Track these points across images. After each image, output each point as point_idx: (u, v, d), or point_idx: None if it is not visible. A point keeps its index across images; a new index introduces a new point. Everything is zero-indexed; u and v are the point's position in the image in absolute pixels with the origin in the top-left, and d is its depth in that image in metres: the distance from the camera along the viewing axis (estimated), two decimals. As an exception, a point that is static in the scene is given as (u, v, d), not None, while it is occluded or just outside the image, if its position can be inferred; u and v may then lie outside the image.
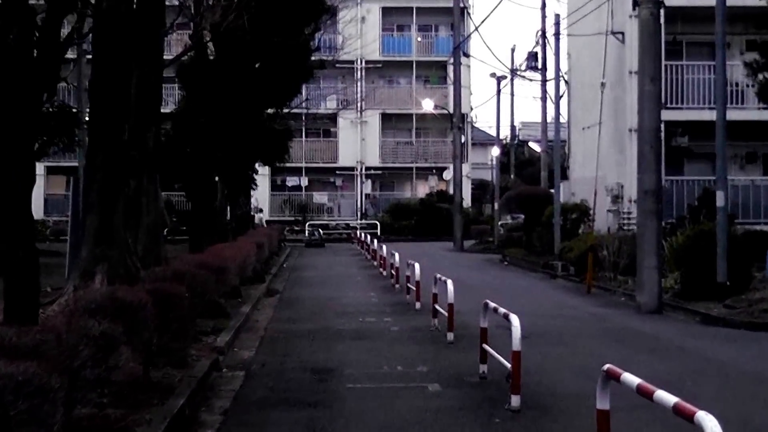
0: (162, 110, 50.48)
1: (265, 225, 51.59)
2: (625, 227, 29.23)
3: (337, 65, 54.70)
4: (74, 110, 28.44)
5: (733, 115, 22.82)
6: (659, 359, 12.53)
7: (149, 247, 19.62)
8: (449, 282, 13.68)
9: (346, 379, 10.70)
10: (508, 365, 9.18)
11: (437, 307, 15.00)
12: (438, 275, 15.20)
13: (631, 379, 5.85)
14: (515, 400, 8.88)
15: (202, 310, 14.14)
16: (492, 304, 10.27)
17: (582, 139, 35.18)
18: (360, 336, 14.46)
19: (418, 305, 17.92)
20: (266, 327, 15.73)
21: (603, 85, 26.78)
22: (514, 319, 9.05)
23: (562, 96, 31.64)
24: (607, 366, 6.21)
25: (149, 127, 20.20)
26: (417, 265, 18.40)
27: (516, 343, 8.89)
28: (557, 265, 28.04)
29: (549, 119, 51.55)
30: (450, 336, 13.49)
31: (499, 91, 46.40)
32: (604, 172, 31.52)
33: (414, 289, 18.58)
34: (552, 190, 35.03)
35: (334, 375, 11.01)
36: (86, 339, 6.54)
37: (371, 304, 19.62)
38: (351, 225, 56.46)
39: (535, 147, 62.59)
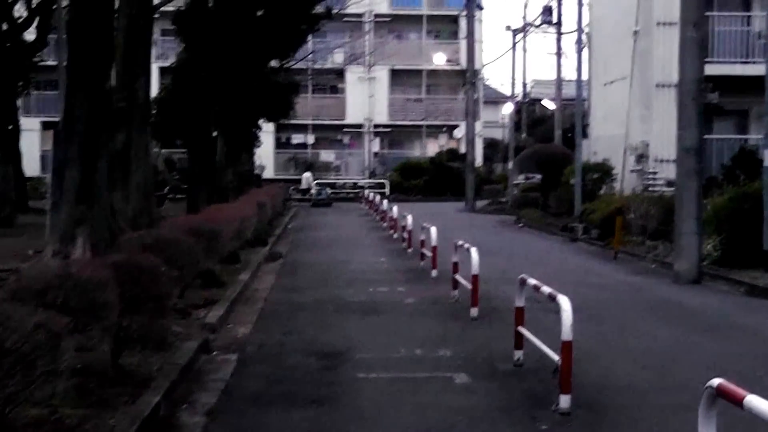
0: (163, 65, 48.82)
1: (312, 186, 49.93)
2: (651, 188, 27.52)
3: (345, 19, 52.72)
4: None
5: (763, 69, 21.06)
6: (715, 340, 10.88)
7: (140, 207, 18.05)
8: (474, 250, 12.01)
9: (357, 367, 9.06)
10: (554, 356, 7.54)
11: (458, 277, 13.33)
12: (459, 241, 13.52)
13: (762, 405, 4.13)
14: (565, 401, 7.22)
15: (193, 279, 12.56)
16: (532, 281, 8.57)
17: (603, 95, 33.34)
18: (371, 309, 12.81)
19: (434, 273, 16.26)
20: (266, 297, 14.09)
21: (636, 33, 24.89)
22: (564, 302, 7.37)
23: (583, 47, 29.72)
24: (717, 382, 4.51)
25: (138, 76, 18.50)
26: (434, 229, 16.73)
27: (567, 331, 7.22)
28: (578, 228, 26.37)
29: (564, 76, 49.91)
30: (474, 311, 11.83)
31: (514, 45, 44.53)
32: (627, 129, 29.79)
33: (429, 254, 16.95)
34: (570, 150, 33.34)
35: (342, 360, 9.37)
36: (15, 335, 4.91)
37: (382, 270, 17.98)
38: (359, 184, 54.78)
39: (549, 105, 60.66)
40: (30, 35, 31.70)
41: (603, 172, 29.80)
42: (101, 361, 8.16)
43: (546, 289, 8.01)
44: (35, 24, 31.39)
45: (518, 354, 8.91)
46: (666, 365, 9.18)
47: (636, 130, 28.85)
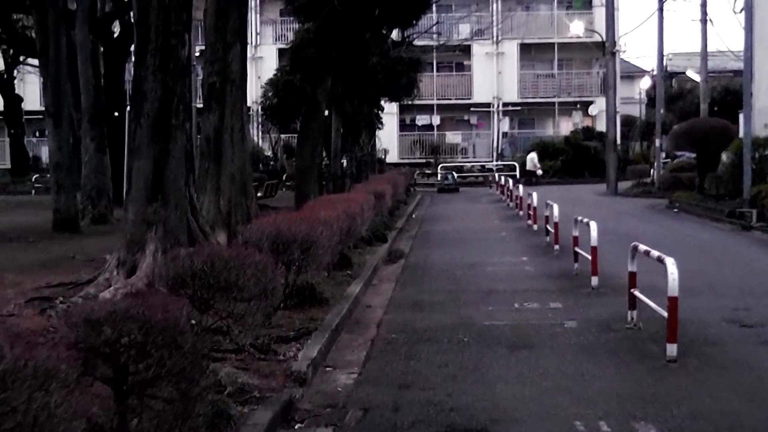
0: (282, 46, 46.27)
1: (537, 167, 46.31)
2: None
3: (471, -10, 49.37)
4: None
5: None
6: None
7: (235, 200, 15.13)
8: (671, 263, 8.43)
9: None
10: None
11: (637, 293, 9.80)
12: (638, 245, 9.94)
13: None
14: None
15: (281, 304, 9.51)
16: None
17: (772, 59, 28.97)
18: (520, 341, 9.38)
19: (594, 280, 12.74)
20: (380, 320, 10.83)
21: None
22: None
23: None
24: None
25: (232, 45, 15.50)
26: (594, 226, 13.19)
27: None
28: (751, 214, 22.39)
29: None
30: (671, 350, 8.31)
31: (661, 8, 40.06)
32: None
33: (584, 255, 13.49)
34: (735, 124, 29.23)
35: (488, 447, 6.06)
36: None
37: (526, 275, 14.55)
38: (487, 167, 51.23)
39: (694, 76, 55.70)
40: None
41: (776, 147, 25.66)
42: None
43: None
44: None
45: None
46: None
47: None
